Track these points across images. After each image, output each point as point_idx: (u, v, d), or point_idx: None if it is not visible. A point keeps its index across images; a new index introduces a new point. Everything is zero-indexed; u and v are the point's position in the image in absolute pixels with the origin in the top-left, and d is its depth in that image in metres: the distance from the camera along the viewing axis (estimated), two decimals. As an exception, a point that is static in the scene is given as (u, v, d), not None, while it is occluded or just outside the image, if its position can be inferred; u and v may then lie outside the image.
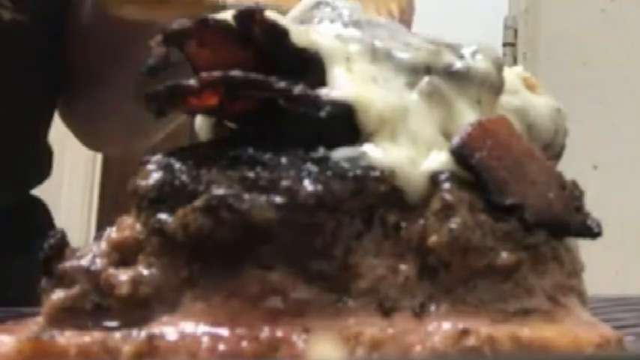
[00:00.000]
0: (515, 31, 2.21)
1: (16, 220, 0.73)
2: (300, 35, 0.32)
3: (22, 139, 0.73)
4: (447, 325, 0.28)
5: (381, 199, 0.30)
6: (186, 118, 0.36)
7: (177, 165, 0.30)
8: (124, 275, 0.29)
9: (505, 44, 2.20)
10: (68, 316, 0.29)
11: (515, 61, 2.14)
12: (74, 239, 0.31)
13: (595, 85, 2.07)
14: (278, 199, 0.28)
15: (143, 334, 0.28)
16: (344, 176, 0.29)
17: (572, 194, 0.32)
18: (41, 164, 0.77)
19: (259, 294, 0.28)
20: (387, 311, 0.29)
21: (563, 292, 0.31)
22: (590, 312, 0.32)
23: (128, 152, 0.85)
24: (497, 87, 0.34)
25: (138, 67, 0.32)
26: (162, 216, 0.29)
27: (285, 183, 0.29)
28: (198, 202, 0.28)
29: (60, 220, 0.82)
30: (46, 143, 0.77)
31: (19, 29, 0.69)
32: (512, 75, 0.36)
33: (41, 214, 0.79)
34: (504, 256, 0.30)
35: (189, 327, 0.28)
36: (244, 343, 0.27)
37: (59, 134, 0.82)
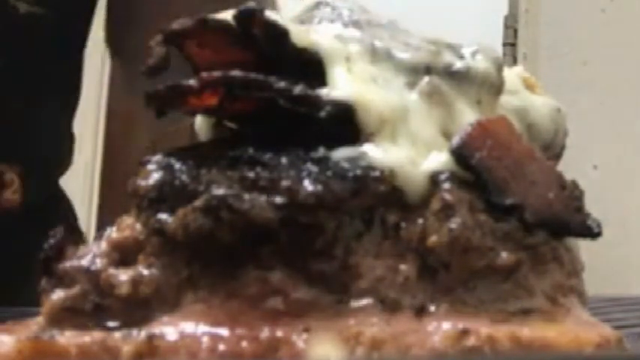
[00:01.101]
0: (515, 31, 2.21)
1: (45, 217, 0.73)
2: (300, 35, 0.32)
3: (42, 129, 0.73)
4: (447, 325, 0.28)
5: (381, 199, 0.30)
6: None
7: (178, 165, 0.30)
8: (124, 275, 0.29)
9: (505, 44, 2.20)
10: (68, 316, 0.29)
11: (515, 61, 2.14)
12: (74, 239, 0.31)
13: (595, 85, 2.07)
14: (278, 199, 0.28)
15: (143, 334, 0.28)
16: (344, 176, 0.29)
17: (572, 194, 0.32)
18: (63, 152, 0.77)
19: (259, 294, 0.28)
20: (387, 311, 0.29)
21: (563, 292, 0.31)
22: (590, 312, 0.32)
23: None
24: (497, 87, 0.34)
25: None
26: (163, 216, 0.29)
27: (285, 183, 0.29)
28: (198, 202, 0.28)
29: (60, 220, 0.82)
30: (69, 131, 0.78)
31: (35, 22, 0.69)
32: (512, 75, 0.36)
33: (67, 209, 0.80)
34: (504, 256, 0.30)
35: (189, 327, 0.28)
36: (244, 343, 0.27)
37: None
